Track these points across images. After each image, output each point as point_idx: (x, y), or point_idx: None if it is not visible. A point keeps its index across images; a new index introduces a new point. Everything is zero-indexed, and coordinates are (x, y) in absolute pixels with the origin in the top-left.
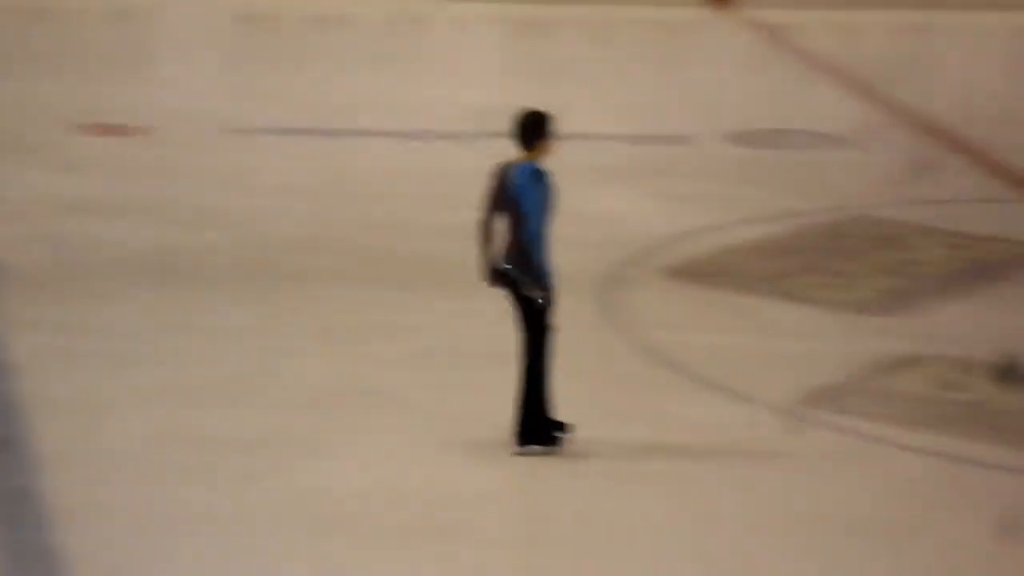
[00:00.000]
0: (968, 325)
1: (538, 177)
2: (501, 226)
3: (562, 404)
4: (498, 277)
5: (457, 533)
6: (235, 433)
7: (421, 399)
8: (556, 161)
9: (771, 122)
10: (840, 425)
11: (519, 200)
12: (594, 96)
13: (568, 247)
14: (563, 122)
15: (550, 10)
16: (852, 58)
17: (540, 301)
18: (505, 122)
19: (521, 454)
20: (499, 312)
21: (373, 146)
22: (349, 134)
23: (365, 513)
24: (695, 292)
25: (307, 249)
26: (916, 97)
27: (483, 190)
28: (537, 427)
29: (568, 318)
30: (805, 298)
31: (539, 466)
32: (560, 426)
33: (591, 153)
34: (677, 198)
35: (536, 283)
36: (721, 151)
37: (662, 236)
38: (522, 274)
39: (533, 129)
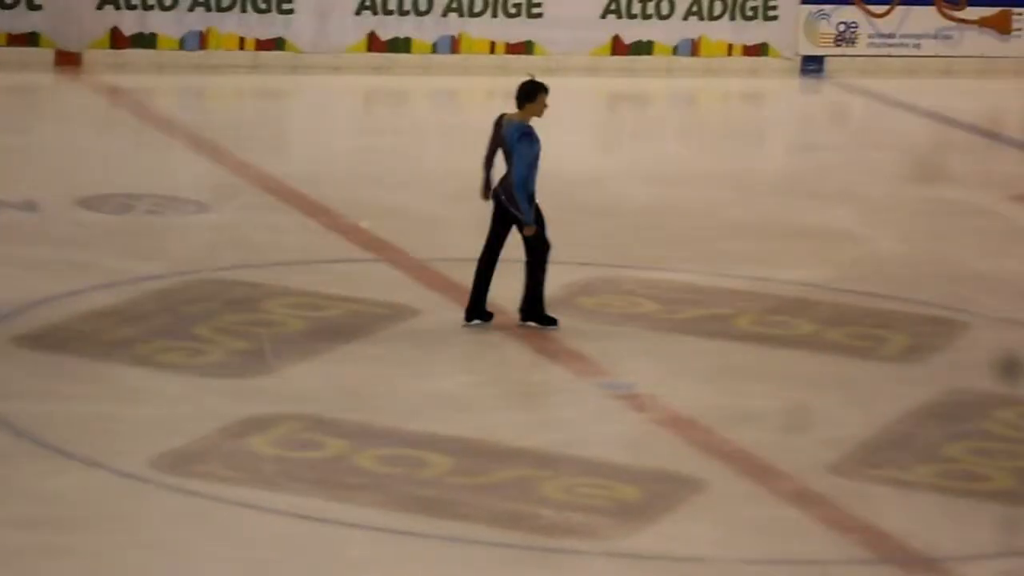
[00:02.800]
0: (319, 383)
1: (524, 133)
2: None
3: None
4: (493, 197)
5: None
6: None
7: None
8: None
9: (122, 186)
10: (190, 488)
11: (511, 149)
12: None
13: None
14: None
15: None
16: (202, 121)
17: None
18: None
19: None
20: None
21: None
22: None
23: None
24: (48, 359)
25: None
26: (267, 159)
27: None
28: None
29: None
30: (159, 363)
31: None
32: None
33: None
34: (28, 265)
35: (518, 214)
36: (72, 216)
37: (12, 304)
38: (509, 203)
39: (523, 94)
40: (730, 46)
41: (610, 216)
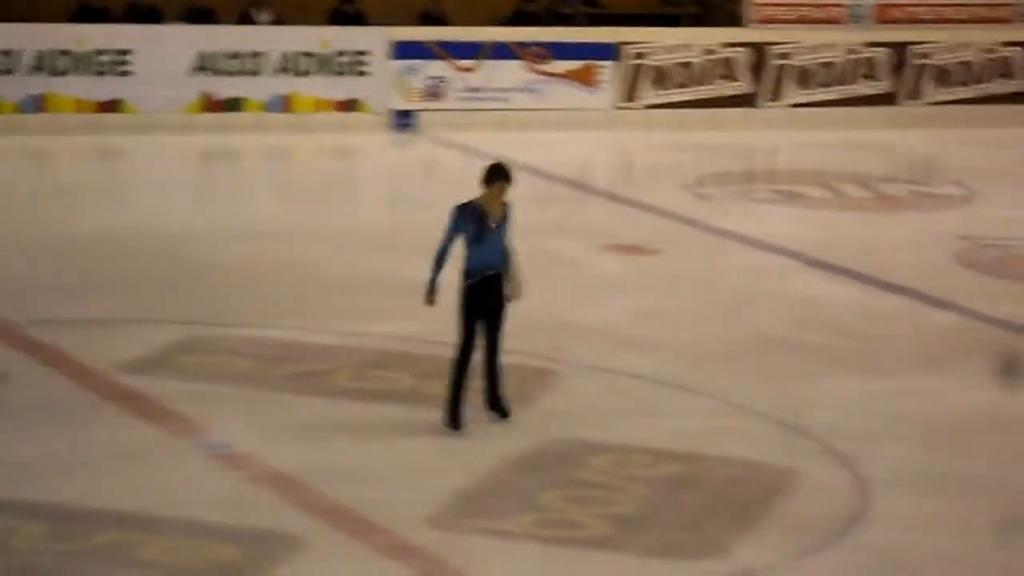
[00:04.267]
0: None
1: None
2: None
3: None
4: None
5: None
6: None
7: None
8: None
9: None
10: None
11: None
12: None
13: None
14: None
15: None
16: None
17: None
18: None
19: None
20: None
21: None
22: None
23: None
24: None
25: None
26: None
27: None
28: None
29: None
30: None
31: None
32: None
33: None
34: None
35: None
36: None
37: None
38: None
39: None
40: (322, 102)
41: (206, 274)
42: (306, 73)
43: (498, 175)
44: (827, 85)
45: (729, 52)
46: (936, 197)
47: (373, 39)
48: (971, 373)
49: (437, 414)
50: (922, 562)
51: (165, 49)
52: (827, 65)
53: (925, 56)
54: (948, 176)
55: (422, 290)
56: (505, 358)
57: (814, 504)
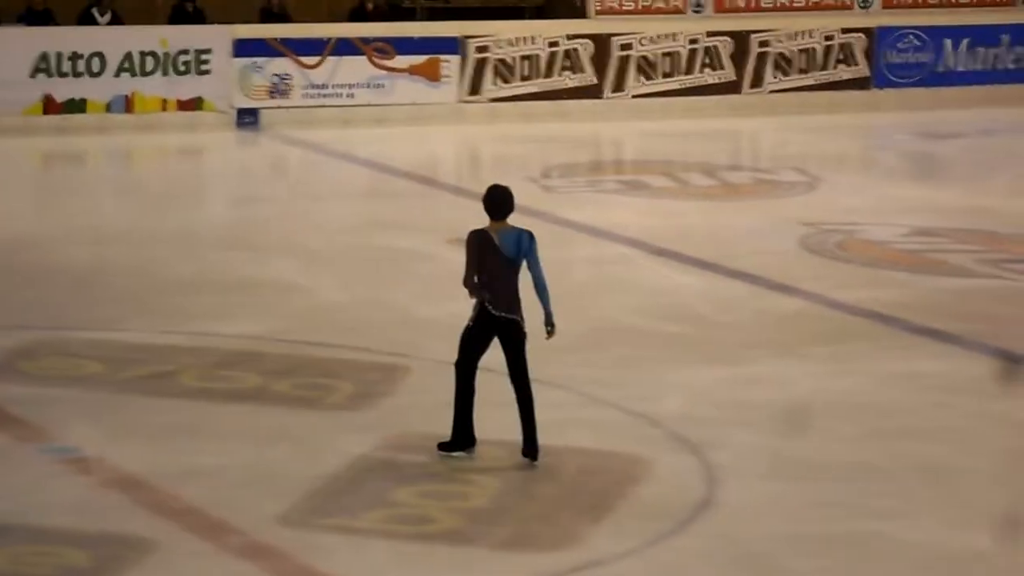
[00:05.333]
0: None
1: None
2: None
3: None
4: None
5: None
6: None
7: None
8: None
9: None
10: None
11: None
12: None
13: None
14: None
15: None
16: None
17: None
18: None
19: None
20: None
21: None
22: None
23: None
24: None
25: None
26: None
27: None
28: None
29: None
30: None
31: None
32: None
33: None
34: None
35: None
36: None
37: None
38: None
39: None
40: (164, 101)
41: (50, 277)
42: (148, 73)
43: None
44: (670, 75)
45: (573, 44)
46: (780, 184)
47: (214, 37)
48: (817, 358)
49: (286, 413)
50: (772, 547)
51: (4, 51)
52: (670, 55)
53: (766, 44)
54: (791, 163)
55: (268, 290)
56: (353, 355)
57: (664, 492)
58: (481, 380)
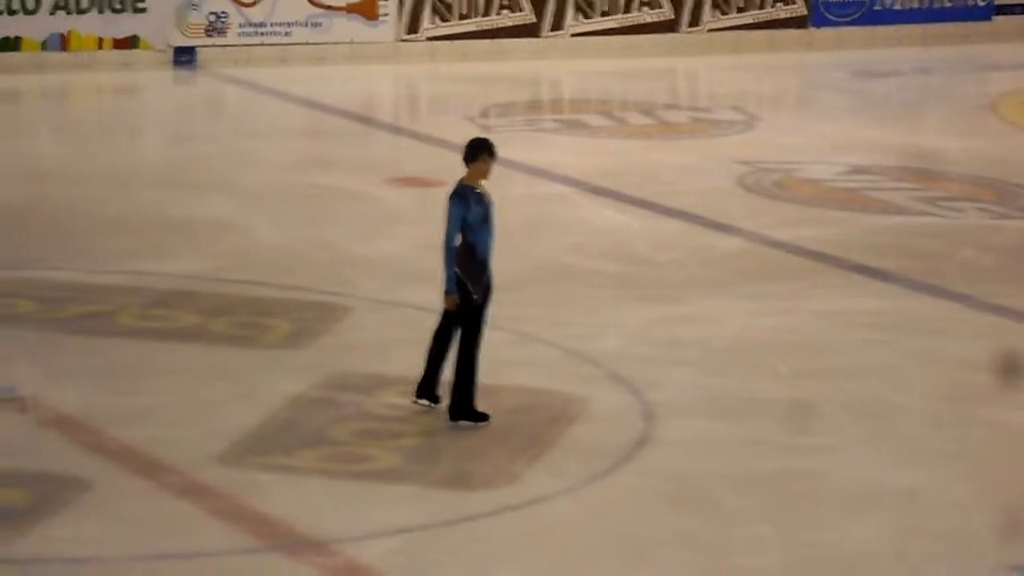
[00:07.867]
0: None
1: (454, 192)
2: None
3: None
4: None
5: None
6: None
7: None
8: None
9: None
10: None
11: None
12: None
13: None
14: None
15: None
16: None
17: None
18: None
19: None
20: None
21: None
22: None
23: None
24: None
25: None
26: None
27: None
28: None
29: None
30: None
31: None
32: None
33: None
34: None
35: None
36: None
37: None
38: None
39: (465, 153)
40: (100, 40)
41: None
42: (84, 11)
43: (481, 149)
44: (608, 14)
45: None
46: (717, 123)
47: None
48: (754, 296)
49: (224, 352)
50: (708, 484)
51: None
52: None
53: None
54: (729, 102)
55: (204, 228)
56: (291, 294)
57: (602, 430)
58: (420, 318)
